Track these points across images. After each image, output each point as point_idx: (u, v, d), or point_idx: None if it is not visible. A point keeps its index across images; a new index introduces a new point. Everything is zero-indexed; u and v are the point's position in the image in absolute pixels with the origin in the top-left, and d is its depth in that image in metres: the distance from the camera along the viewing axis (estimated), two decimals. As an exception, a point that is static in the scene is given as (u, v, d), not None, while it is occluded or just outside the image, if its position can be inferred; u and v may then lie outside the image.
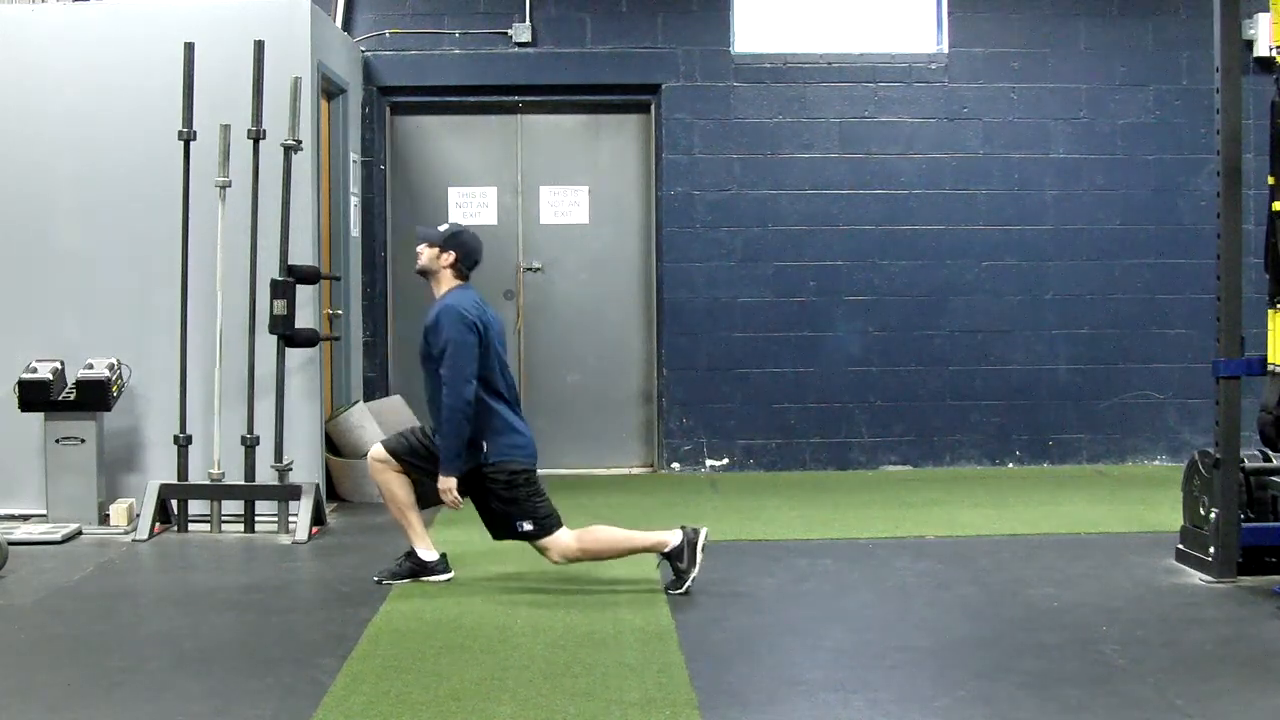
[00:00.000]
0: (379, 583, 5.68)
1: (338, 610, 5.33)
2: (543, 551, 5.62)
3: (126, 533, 6.75)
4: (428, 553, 5.71)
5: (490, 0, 8.75)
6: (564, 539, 5.58)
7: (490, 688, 4.30)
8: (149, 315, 7.08)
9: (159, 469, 7.02)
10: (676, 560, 5.52)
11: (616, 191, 9.04)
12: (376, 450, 5.71)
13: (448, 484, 5.51)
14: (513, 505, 5.55)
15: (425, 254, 5.71)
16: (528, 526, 5.56)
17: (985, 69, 8.82)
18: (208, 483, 6.86)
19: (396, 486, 5.65)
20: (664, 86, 8.77)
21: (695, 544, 5.52)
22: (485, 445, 5.54)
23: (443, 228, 5.79)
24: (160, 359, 7.01)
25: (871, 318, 8.80)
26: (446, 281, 5.70)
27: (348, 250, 8.23)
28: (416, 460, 5.63)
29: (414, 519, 5.69)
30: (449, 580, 5.72)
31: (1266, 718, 4.02)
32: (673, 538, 5.55)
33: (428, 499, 5.72)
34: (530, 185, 9.00)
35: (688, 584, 5.48)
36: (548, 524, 5.56)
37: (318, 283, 7.22)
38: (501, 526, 5.63)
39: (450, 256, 5.69)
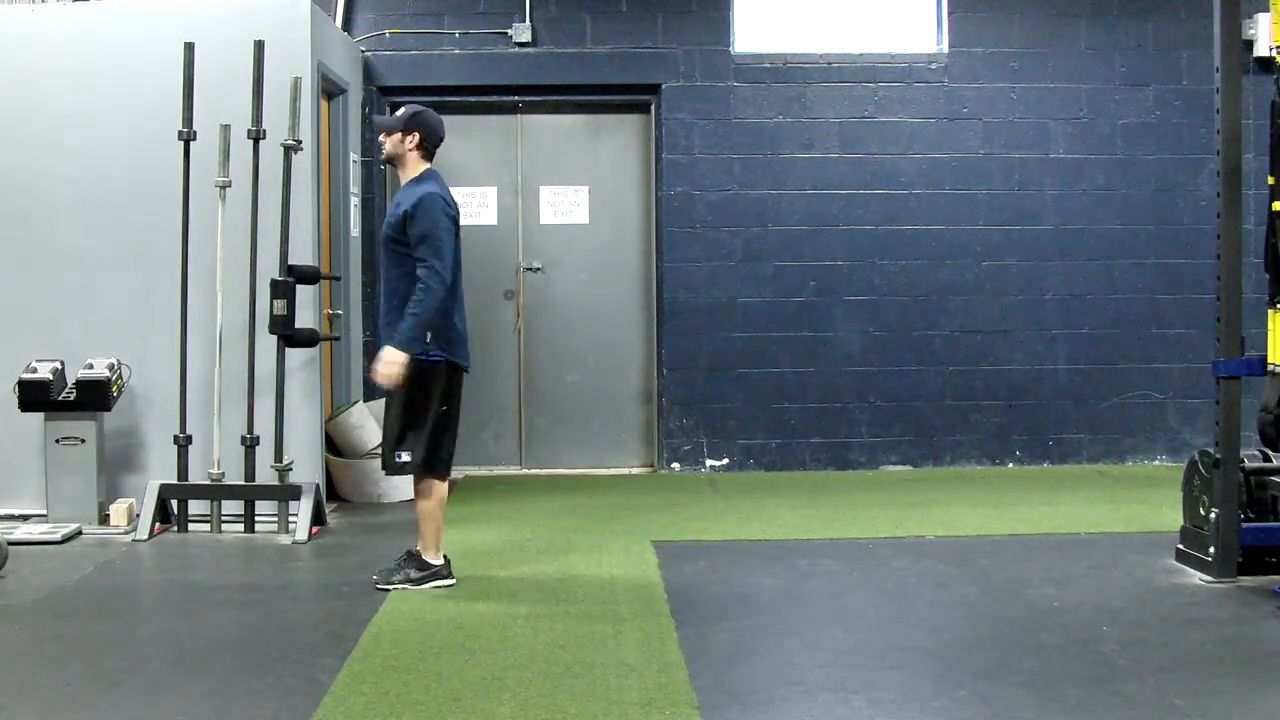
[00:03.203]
0: (379, 588, 5.64)
1: (338, 610, 5.33)
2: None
3: (126, 533, 6.75)
4: (434, 557, 5.69)
5: (490, 0, 8.76)
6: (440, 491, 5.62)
7: (490, 688, 4.30)
8: (149, 315, 7.08)
9: (159, 469, 7.02)
10: (410, 563, 5.61)
11: (616, 191, 9.04)
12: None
13: (398, 359, 5.43)
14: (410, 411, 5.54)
15: (389, 141, 5.69)
16: (406, 457, 5.55)
17: (985, 69, 8.82)
18: (208, 483, 6.86)
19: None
20: (664, 86, 8.77)
21: (434, 576, 5.59)
22: (430, 337, 5.50)
23: (399, 112, 5.77)
24: (160, 359, 7.02)
25: (871, 318, 8.81)
26: (415, 164, 5.68)
27: (348, 250, 8.23)
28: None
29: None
30: (451, 585, 5.70)
31: (1266, 718, 4.02)
32: (437, 558, 5.65)
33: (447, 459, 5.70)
34: (530, 185, 9.01)
35: (388, 585, 5.56)
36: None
37: (318, 283, 7.22)
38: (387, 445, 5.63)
39: (414, 138, 5.65)
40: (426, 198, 5.51)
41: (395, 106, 8.85)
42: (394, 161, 5.75)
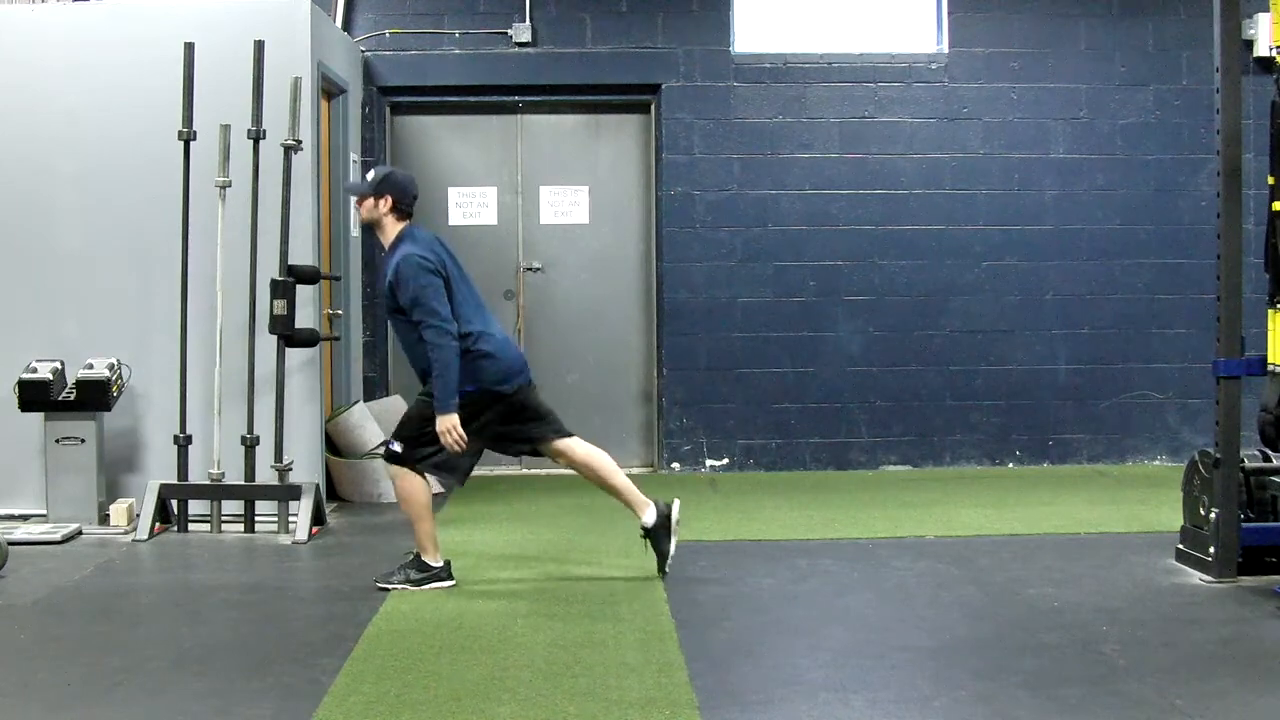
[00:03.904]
0: (380, 587, 5.64)
1: (338, 610, 5.33)
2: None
3: (126, 533, 6.75)
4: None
5: (490, 0, 8.76)
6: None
7: (490, 688, 4.30)
8: (149, 315, 7.08)
9: (159, 469, 7.02)
10: (411, 564, 5.65)
11: (616, 191, 9.04)
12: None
13: (449, 423, 5.46)
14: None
15: (363, 208, 5.69)
16: (395, 448, 5.59)
17: (985, 69, 8.82)
18: (208, 483, 6.86)
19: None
20: (664, 86, 8.77)
21: (433, 578, 5.63)
22: (464, 381, 5.54)
23: (369, 175, 5.75)
24: (160, 359, 7.02)
25: (871, 318, 8.80)
26: (392, 227, 5.66)
27: (348, 250, 8.23)
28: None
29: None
30: (451, 587, 5.69)
31: (1266, 718, 4.03)
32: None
33: (462, 471, 5.69)
34: (530, 185, 9.01)
35: (388, 585, 5.60)
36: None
37: (318, 283, 7.22)
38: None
39: (387, 201, 5.64)
40: (401, 263, 5.51)
41: (395, 107, 8.90)
42: (373, 226, 5.73)
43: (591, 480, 5.87)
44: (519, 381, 5.71)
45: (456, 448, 5.50)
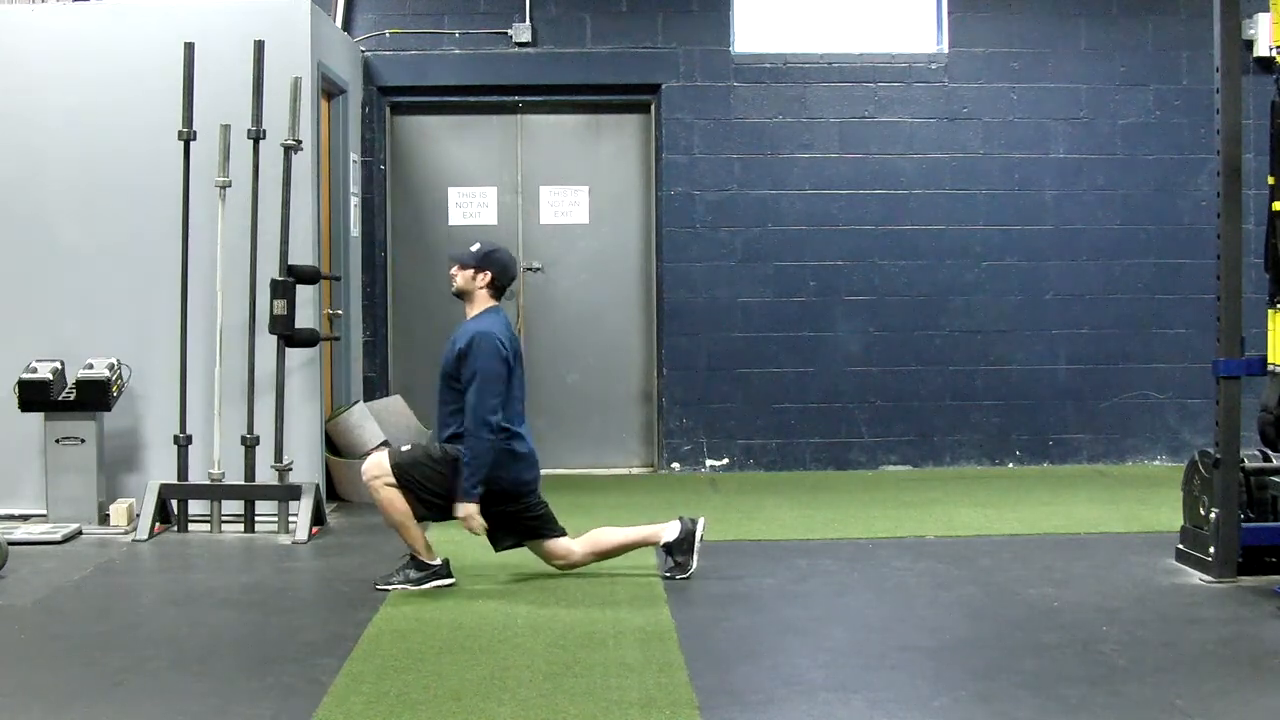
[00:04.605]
0: (380, 590, 5.63)
1: (338, 610, 5.34)
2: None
3: (126, 533, 6.75)
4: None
5: (490, 0, 8.76)
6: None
7: (490, 688, 4.30)
8: (149, 315, 7.08)
9: (159, 469, 7.02)
10: (409, 565, 5.65)
11: (616, 191, 9.04)
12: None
13: (469, 510, 5.52)
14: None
15: (460, 276, 5.70)
16: (405, 448, 5.71)
17: (985, 69, 8.82)
18: (208, 483, 6.86)
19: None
20: (664, 86, 8.77)
21: (433, 575, 5.64)
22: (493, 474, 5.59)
23: (474, 248, 5.75)
24: (160, 359, 7.02)
25: (871, 318, 8.80)
26: (482, 302, 5.71)
27: (348, 250, 8.23)
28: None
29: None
30: (451, 584, 5.70)
31: (1266, 718, 4.03)
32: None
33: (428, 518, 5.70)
34: (530, 185, 9.01)
35: (387, 586, 5.60)
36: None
37: (318, 283, 7.22)
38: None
39: (486, 276, 5.68)
40: (479, 337, 5.53)
41: (395, 107, 8.90)
42: (462, 296, 5.75)
43: (611, 555, 5.86)
44: (534, 485, 5.76)
45: (476, 533, 5.61)
